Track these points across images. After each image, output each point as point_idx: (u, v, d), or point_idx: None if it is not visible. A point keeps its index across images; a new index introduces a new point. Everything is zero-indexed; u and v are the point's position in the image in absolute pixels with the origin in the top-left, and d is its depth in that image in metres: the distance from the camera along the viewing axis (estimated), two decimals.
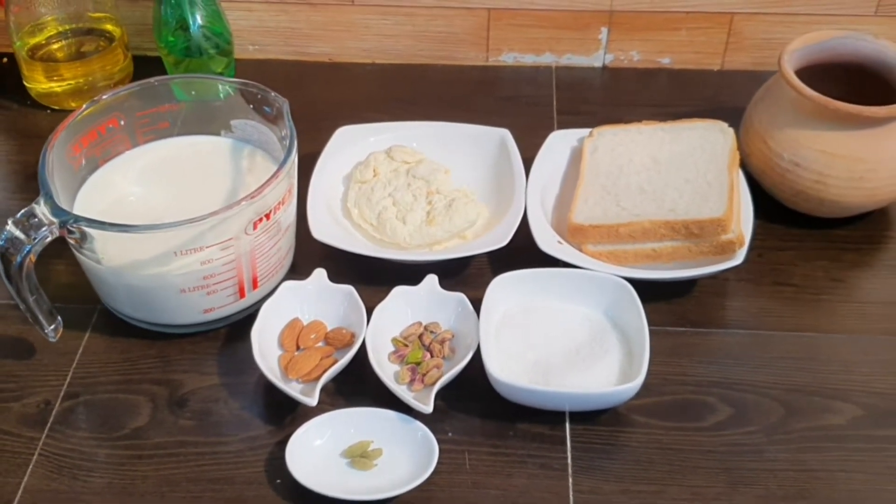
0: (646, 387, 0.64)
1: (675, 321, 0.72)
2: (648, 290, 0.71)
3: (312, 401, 0.64)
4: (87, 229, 0.63)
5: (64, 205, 0.66)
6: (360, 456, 0.63)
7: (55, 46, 0.92)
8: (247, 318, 0.70)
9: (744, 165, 0.80)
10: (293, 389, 0.65)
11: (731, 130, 0.80)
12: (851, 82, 0.79)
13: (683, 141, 0.80)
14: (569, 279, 0.71)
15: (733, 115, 0.83)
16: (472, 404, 0.66)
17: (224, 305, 0.70)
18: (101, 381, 0.69)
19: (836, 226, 0.80)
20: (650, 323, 0.67)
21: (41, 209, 0.63)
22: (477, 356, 0.66)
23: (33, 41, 0.91)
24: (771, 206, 0.80)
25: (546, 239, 0.74)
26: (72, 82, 0.92)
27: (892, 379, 0.68)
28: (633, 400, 0.65)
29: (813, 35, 0.79)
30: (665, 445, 0.64)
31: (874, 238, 0.79)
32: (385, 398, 0.65)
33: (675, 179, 0.77)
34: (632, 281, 0.69)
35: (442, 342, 0.69)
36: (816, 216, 0.79)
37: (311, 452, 0.63)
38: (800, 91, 0.74)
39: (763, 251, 0.78)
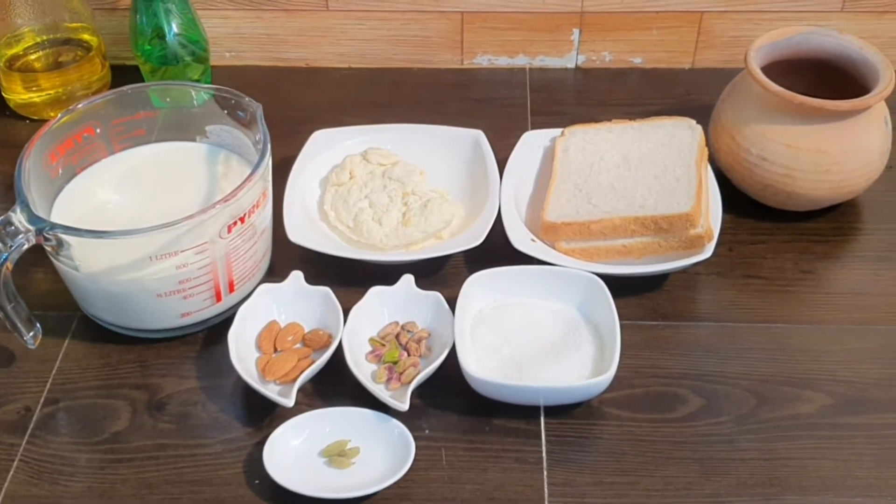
0: (618, 380, 0.65)
1: (647, 315, 0.73)
2: (620, 285, 0.72)
3: (289, 401, 0.64)
4: (63, 236, 0.64)
5: (41, 213, 0.67)
6: (337, 455, 0.64)
7: (33, 57, 0.92)
8: (224, 322, 0.71)
9: (713, 161, 0.81)
10: (270, 391, 0.66)
11: (699, 127, 0.81)
12: (817, 77, 0.80)
13: (652, 138, 0.81)
14: (542, 276, 0.72)
15: (704, 113, 0.84)
16: (449, 401, 0.67)
17: (201, 309, 0.70)
18: (80, 387, 0.69)
19: (805, 219, 0.81)
20: (622, 317, 0.68)
21: (17, 217, 0.64)
22: (453, 354, 0.67)
23: (10, 52, 0.92)
24: (740, 201, 0.81)
25: (520, 237, 0.75)
26: (50, 92, 0.92)
27: (860, 367, 0.69)
28: (605, 393, 0.66)
29: (778, 31, 0.81)
30: (637, 437, 0.65)
31: (842, 230, 0.81)
32: (363, 398, 0.66)
33: (645, 176, 0.78)
34: (603, 276, 0.71)
35: (418, 341, 0.70)
36: (785, 209, 0.80)
37: (289, 452, 0.64)
38: (765, 86, 0.76)
39: (733, 245, 0.79)
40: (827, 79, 0.80)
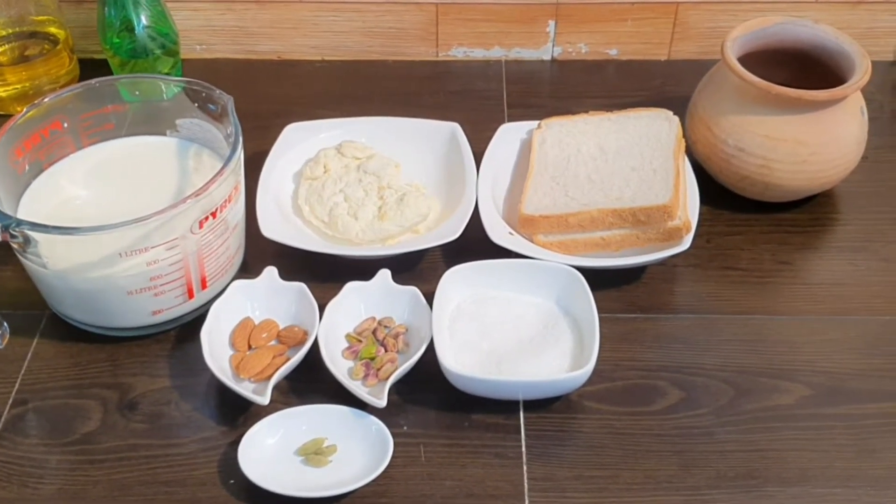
0: (597, 373, 0.65)
1: (625, 308, 0.73)
2: (598, 278, 0.71)
3: (264, 399, 0.63)
4: (30, 233, 0.63)
5: (7, 210, 0.66)
6: (314, 453, 0.63)
7: None
8: (197, 319, 0.70)
9: (690, 153, 0.81)
10: (245, 389, 0.65)
11: (676, 118, 0.81)
12: (793, 68, 0.80)
13: (629, 130, 0.81)
14: (520, 269, 0.71)
15: (681, 104, 0.83)
16: (427, 397, 0.66)
17: (173, 307, 0.69)
18: (50, 387, 0.68)
19: (782, 210, 0.81)
20: (600, 310, 0.67)
21: None
22: (431, 349, 0.66)
23: None
24: (717, 193, 0.81)
25: (497, 230, 0.74)
26: (17, 87, 0.91)
27: (838, 358, 0.69)
28: (584, 386, 0.66)
29: (754, 22, 0.80)
30: (617, 430, 0.65)
31: (819, 221, 0.81)
32: (339, 395, 0.65)
33: (622, 168, 0.77)
34: (582, 269, 0.70)
35: (396, 336, 0.69)
36: (762, 201, 0.80)
37: (265, 451, 0.63)
38: (742, 77, 0.75)
39: (710, 237, 0.78)
40: (803, 69, 0.80)
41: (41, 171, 0.73)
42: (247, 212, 0.74)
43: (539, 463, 0.63)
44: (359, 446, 0.63)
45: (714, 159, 0.79)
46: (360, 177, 0.80)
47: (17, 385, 0.68)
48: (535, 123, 0.83)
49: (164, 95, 0.76)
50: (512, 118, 0.89)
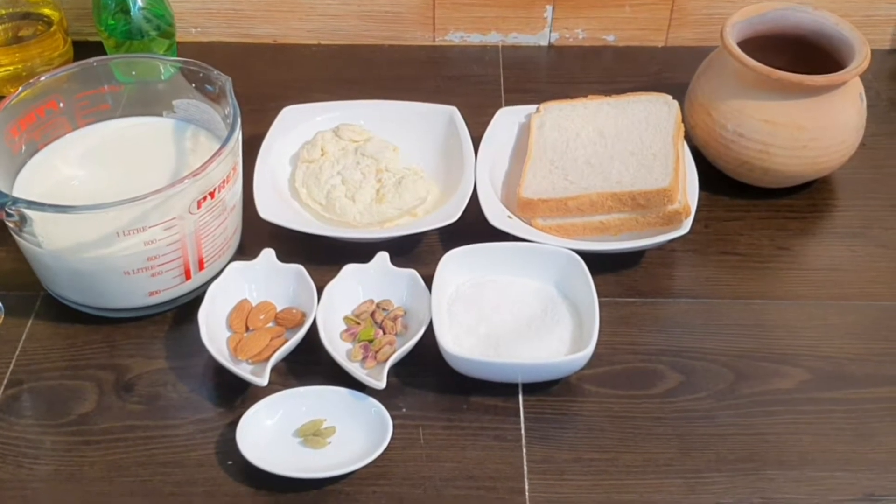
0: (596, 357, 0.65)
1: (624, 292, 0.73)
2: (597, 262, 0.71)
3: (262, 381, 0.63)
4: (25, 211, 0.62)
5: (3, 188, 0.65)
6: (312, 434, 0.62)
7: None
8: (194, 301, 0.69)
9: (689, 138, 0.81)
10: (243, 370, 0.65)
11: (675, 103, 0.81)
12: (793, 53, 0.80)
13: (628, 114, 0.80)
14: (519, 253, 0.71)
15: (677, 91, 0.83)
16: (426, 379, 0.66)
17: (170, 288, 0.68)
18: (45, 368, 0.67)
19: (781, 195, 0.81)
20: (600, 294, 0.67)
21: None
22: (430, 332, 0.66)
23: None
24: (716, 178, 0.81)
25: (496, 214, 0.74)
26: (10, 68, 0.90)
27: (837, 342, 0.69)
28: (584, 370, 0.66)
29: (754, 7, 0.80)
30: (616, 414, 0.65)
31: (818, 206, 0.81)
32: (338, 376, 0.65)
33: (621, 152, 0.77)
34: (581, 253, 0.70)
35: (394, 319, 0.69)
36: (761, 186, 0.80)
37: (263, 433, 0.62)
38: (742, 61, 0.75)
39: (709, 222, 0.78)
40: (801, 56, 0.80)
41: (36, 150, 0.73)
42: (244, 195, 0.73)
43: (538, 446, 0.63)
44: (358, 428, 0.63)
45: (713, 144, 0.79)
46: (357, 160, 0.79)
47: (11, 366, 0.67)
48: (533, 107, 0.83)
49: (161, 76, 0.75)
50: (509, 104, 0.89)
